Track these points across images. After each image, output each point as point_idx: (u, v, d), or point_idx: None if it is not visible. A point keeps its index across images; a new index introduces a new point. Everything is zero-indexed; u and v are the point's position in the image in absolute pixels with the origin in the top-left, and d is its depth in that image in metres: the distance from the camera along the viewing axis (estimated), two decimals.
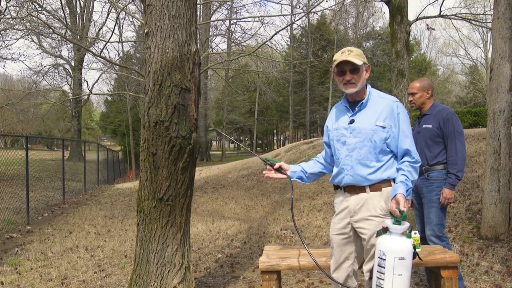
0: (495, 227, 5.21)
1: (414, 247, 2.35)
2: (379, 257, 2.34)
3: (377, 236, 2.42)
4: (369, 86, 2.67)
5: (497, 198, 5.22)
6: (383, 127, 2.54)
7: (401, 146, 2.55)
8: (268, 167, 2.88)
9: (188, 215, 3.57)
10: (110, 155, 22.50)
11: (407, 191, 2.46)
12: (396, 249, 2.28)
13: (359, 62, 2.54)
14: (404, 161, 2.55)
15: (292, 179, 2.86)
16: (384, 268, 2.30)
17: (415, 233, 3.07)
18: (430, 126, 3.65)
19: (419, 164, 2.57)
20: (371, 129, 2.54)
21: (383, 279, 2.30)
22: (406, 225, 2.34)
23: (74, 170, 16.52)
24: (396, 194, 2.43)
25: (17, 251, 5.84)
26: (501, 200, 5.21)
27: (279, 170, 2.85)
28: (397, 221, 2.34)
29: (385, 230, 2.38)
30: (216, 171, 16.80)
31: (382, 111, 2.56)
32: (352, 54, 2.55)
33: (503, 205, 5.21)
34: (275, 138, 63.83)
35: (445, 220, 3.67)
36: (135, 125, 28.39)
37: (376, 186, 2.55)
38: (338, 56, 2.58)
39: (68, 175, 13.96)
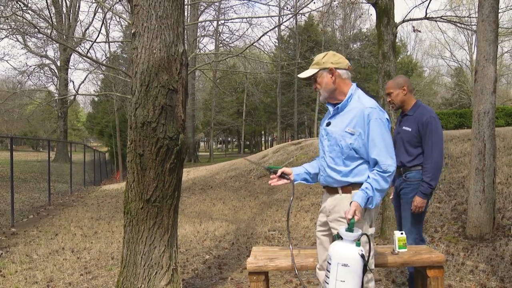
0: (480, 227, 5.28)
1: (363, 256, 2.31)
2: (327, 261, 2.38)
3: (333, 240, 2.45)
4: (352, 89, 2.63)
5: (482, 198, 5.28)
6: (352, 134, 2.52)
7: (370, 155, 2.52)
8: (272, 175, 2.85)
9: (176, 216, 3.56)
10: (97, 156, 22.32)
11: (368, 199, 2.45)
12: (340, 255, 2.30)
13: (307, 74, 2.65)
14: (374, 169, 2.52)
15: (296, 182, 2.84)
16: (329, 272, 2.33)
17: (402, 233, 3.11)
18: (409, 129, 3.54)
19: (388, 174, 2.48)
20: (340, 134, 2.56)
21: (328, 283, 2.33)
22: (357, 232, 2.35)
23: (60, 171, 16.35)
24: (352, 202, 2.45)
25: (1, 253, 5.76)
26: (485, 200, 5.27)
27: (282, 176, 2.82)
28: (349, 229, 2.35)
29: (339, 236, 2.39)
30: (204, 172, 16.75)
31: (354, 117, 2.53)
32: (311, 65, 2.66)
33: (488, 205, 5.28)
34: (263, 139, 63.90)
35: (421, 230, 3.64)
36: (122, 126, 28.17)
37: (347, 188, 2.58)
38: None
39: (54, 176, 13.81)
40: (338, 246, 2.34)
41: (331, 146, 2.59)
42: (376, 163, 2.50)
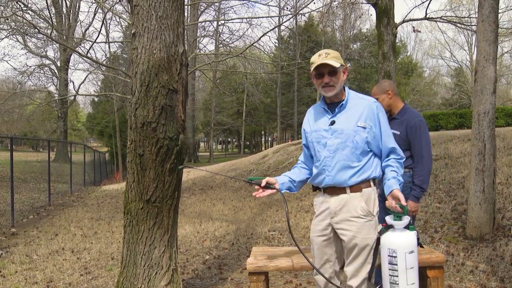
0: (480, 227, 5.28)
1: (418, 238, 2.40)
2: (389, 255, 2.38)
3: (380, 234, 2.45)
4: (347, 88, 2.69)
5: (482, 198, 5.28)
6: (364, 128, 2.56)
7: (386, 145, 2.60)
8: (256, 187, 2.76)
9: (176, 217, 3.56)
10: (97, 156, 22.32)
11: (399, 185, 2.51)
12: (405, 244, 2.35)
13: (336, 64, 2.55)
14: (390, 158, 2.60)
15: (282, 191, 2.76)
16: (396, 265, 2.34)
17: None
18: (398, 132, 3.49)
19: (403, 160, 2.64)
20: (352, 129, 2.56)
21: (397, 276, 2.35)
22: (407, 219, 2.39)
23: (60, 171, 16.35)
24: (392, 191, 2.47)
25: (1, 254, 5.76)
26: (485, 201, 5.27)
27: (267, 186, 2.73)
28: (398, 217, 2.38)
29: (387, 227, 2.41)
30: (204, 172, 16.74)
31: (363, 112, 2.57)
32: (329, 57, 2.56)
33: (488, 206, 5.28)
34: (263, 139, 63.88)
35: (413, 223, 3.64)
36: (122, 126, 28.17)
37: (356, 187, 2.57)
38: (316, 59, 2.58)
39: (54, 176, 13.81)
40: (397, 237, 2.36)
41: (343, 143, 2.57)
42: (391, 152, 2.61)
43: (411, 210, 3.44)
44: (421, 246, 2.61)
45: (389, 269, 2.38)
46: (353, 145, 2.55)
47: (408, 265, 2.32)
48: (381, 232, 2.45)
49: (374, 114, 2.58)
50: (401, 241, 2.35)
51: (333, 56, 2.58)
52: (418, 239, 2.40)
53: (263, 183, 2.72)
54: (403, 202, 2.40)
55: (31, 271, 4.97)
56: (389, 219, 2.41)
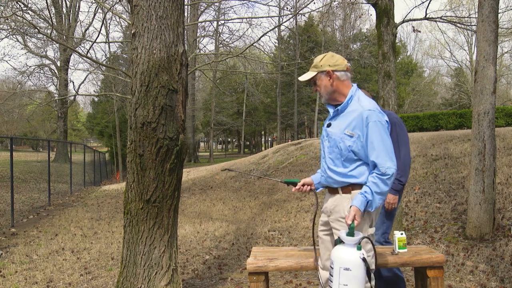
0: (480, 227, 5.28)
1: (365, 260, 2.31)
2: (330, 266, 2.40)
3: (334, 245, 2.46)
4: (353, 90, 2.62)
5: (482, 198, 5.28)
6: (350, 136, 2.51)
7: (369, 158, 2.49)
8: (293, 188, 2.92)
9: (176, 217, 3.56)
10: (97, 156, 22.31)
11: (367, 202, 2.44)
12: (342, 260, 2.32)
13: (306, 77, 2.68)
14: (373, 172, 2.49)
15: (318, 190, 2.89)
16: (332, 276, 2.35)
17: (402, 234, 3.11)
18: None
19: (388, 176, 2.44)
20: (339, 136, 2.55)
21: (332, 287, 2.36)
22: (358, 236, 2.35)
23: (60, 171, 16.37)
24: (351, 206, 2.44)
25: (1, 254, 5.76)
26: (485, 201, 5.27)
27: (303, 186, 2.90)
28: (350, 233, 2.36)
29: (340, 240, 2.40)
30: (204, 172, 16.74)
31: (353, 120, 2.52)
32: (310, 68, 2.69)
33: (488, 206, 5.28)
34: (263, 139, 63.90)
35: (391, 227, 3.65)
36: (122, 126, 28.19)
37: (347, 188, 2.57)
38: None
39: (54, 176, 13.82)
40: (340, 251, 2.35)
41: (331, 147, 2.60)
42: (375, 165, 2.47)
43: (389, 202, 3.52)
44: (370, 273, 2.52)
45: (329, 280, 2.41)
46: (338, 151, 2.56)
47: (342, 281, 2.30)
48: (335, 243, 2.45)
49: (363, 123, 2.49)
50: (339, 255, 2.33)
51: (313, 65, 2.68)
52: (364, 260, 2.30)
53: (299, 186, 2.89)
54: (349, 220, 2.38)
55: (31, 271, 4.97)
56: (341, 232, 2.41)
